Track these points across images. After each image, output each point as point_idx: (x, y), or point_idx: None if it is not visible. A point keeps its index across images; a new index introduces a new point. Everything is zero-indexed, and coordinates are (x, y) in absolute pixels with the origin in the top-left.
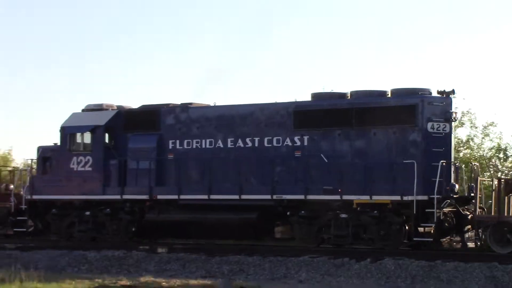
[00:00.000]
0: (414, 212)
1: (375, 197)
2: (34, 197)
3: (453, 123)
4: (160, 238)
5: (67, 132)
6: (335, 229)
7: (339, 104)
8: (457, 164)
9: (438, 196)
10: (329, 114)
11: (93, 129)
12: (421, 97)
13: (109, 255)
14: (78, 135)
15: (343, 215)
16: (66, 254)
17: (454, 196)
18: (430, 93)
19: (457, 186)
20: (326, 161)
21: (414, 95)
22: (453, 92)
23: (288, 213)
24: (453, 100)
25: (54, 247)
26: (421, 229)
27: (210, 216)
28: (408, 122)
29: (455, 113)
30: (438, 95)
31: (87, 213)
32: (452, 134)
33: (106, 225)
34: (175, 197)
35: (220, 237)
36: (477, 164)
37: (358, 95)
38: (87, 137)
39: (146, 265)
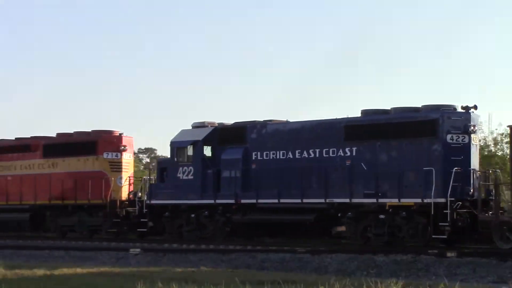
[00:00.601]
0: (432, 213)
1: (402, 200)
2: (152, 202)
3: (472, 134)
4: (249, 237)
5: (175, 146)
6: (375, 229)
7: (380, 119)
8: (476, 170)
9: (452, 199)
10: (372, 128)
11: (194, 143)
12: (442, 112)
13: (397, 259)
14: (183, 148)
15: (381, 216)
16: (354, 258)
17: (468, 199)
18: (454, 109)
19: (471, 190)
20: (365, 169)
21: (436, 111)
22: (475, 107)
23: (339, 215)
24: (473, 115)
25: (344, 251)
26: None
27: (278, 217)
28: (431, 134)
29: (474, 126)
30: (458, 110)
31: (192, 215)
32: (473, 144)
33: (206, 225)
34: (254, 201)
35: (286, 235)
36: (499, 170)
37: (396, 111)
38: (190, 150)
39: (436, 269)
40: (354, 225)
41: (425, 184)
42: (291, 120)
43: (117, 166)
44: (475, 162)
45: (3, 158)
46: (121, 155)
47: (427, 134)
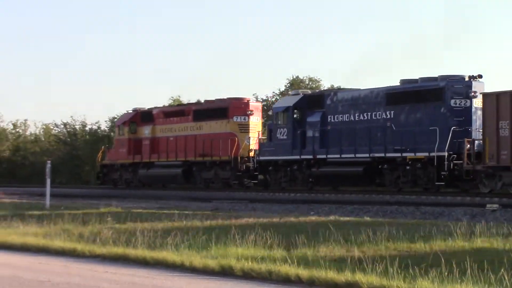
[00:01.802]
0: (435, 164)
1: (417, 154)
2: (260, 158)
3: (474, 99)
4: (325, 185)
5: (275, 111)
6: (402, 177)
7: (407, 88)
8: (476, 129)
9: (449, 152)
10: (402, 95)
11: (287, 109)
12: (448, 81)
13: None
14: (279, 113)
15: (408, 167)
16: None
17: (464, 152)
18: (462, 78)
19: (468, 145)
20: (394, 129)
21: (443, 80)
22: (479, 76)
23: (379, 167)
24: (475, 83)
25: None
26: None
27: (340, 169)
28: (438, 99)
29: (474, 92)
30: (464, 79)
31: (288, 169)
32: (475, 107)
33: (297, 177)
34: (325, 156)
35: (345, 184)
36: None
37: (422, 80)
38: (284, 115)
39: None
40: (389, 174)
41: (432, 141)
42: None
43: (244, 128)
44: (477, 122)
45: (166, 122)
46: (248, 118)
47: (436, 100)
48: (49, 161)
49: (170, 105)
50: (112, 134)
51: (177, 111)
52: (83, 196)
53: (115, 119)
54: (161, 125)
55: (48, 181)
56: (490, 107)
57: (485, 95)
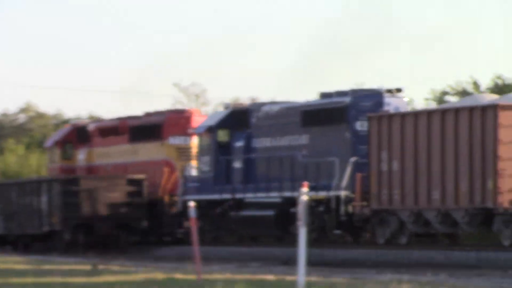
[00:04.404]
0: (333, 206)
1: (320, 193)
2: (184, 198)
3: None
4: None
5: (196, 132)
6: (312, 223)
7: (316, 104)
8: None
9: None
10: (317, 113)
11: (208, 129)
12: (352, 97)
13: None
14: (202, 134)
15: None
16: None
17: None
18: (374, 93)
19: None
20: (301, 160)
21: (348, 96)
22: (398, 90)
23: (290, 210)
24: (390, 99)
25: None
26: None
27: (252, 214)
28: (343, 121)
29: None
30: (372, 94)
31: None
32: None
33: (220, 224)
34: (242, 196)
35: (258, 232)
36: None
37: (335, 95)
38: (207, 137)
39: None
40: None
41: (333, 176)
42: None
43: (185, 153)
44: None
45: (103, 142)
46: (191, 139)
47: (339, 121)
48: None
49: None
50: None
51: (112, 128)
52: None
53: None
54: (99, 148)
55: None
56: (376, 133)
57: (371, 118)
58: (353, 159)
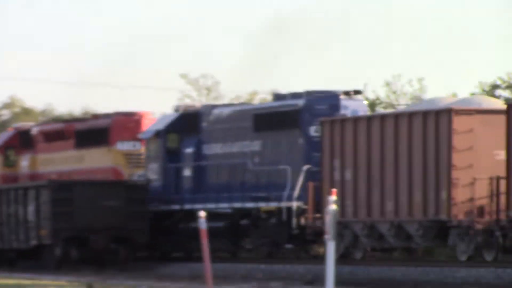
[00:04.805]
0: (284, 218)
1: (270, 204)
2: None
3: None
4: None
5: (143, 137)
6: (264, 237)
7: (267, 108)
8: None
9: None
10: (268, 117)
11: (157, 133)
12: (306, 99)
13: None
14: (150, 140)
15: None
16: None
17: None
18: (330, 95)
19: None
20: (252, 168)
21: (303, 98)
22: (357, 92)
23: (240, 222)
24: (347, 102)
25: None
26: None
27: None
28: (295, 126)
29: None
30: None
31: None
32: None
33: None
34: (191, 207)
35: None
36: None
37: (289, 97)
38: (155, 143)
39: None
40: (253, 233)
41: (285, 185)
42: None
43: (135, 160)
44: None
45: (48, 148)
46: (142, 145)
47: (292, 126)
48: None
49: (55, 119)
50: None
51: (57, 132)
52: None
53: None
54: (43, 154)
55: None
56: (329, 139)
57: (323, 123)
58: (305, 167)
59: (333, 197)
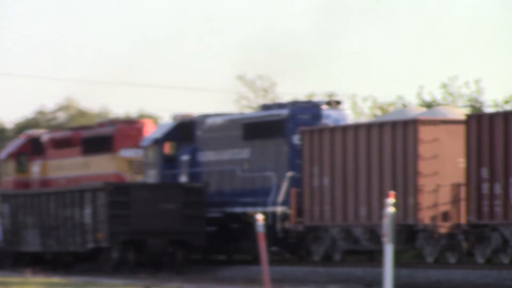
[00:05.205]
0: (270, 222)
1: (257, 209)
2: None
3: None
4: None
5: (142, 145)
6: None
7: (254, 117)
8: None
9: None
10: (256, 126)
11: (155, 141)
12: (290, 109)
13: None
14: (149, 148)
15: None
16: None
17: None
18: (313, 105)
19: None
20: (239, 174)
21: (286, 108)
22: (337, 103)
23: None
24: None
25: None
26: None
27: None
28: (280, 135)
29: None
30: (311, 107)
31: None
32: None
33: None
34: None
35: None
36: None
37: (276, 107)
38: (153, 150)
39: None
40: (245, 237)
41: (270, 191)
42: None
43: (138, 167)
44: None
45: (57, 155)
46: None
47: (277, 135)
48: None
49: (67, 128)
50: None
51: (65, 139)
52: None
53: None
54: (53, 160)
55: None
56: (308, 147)
57: (303, 132)
58: (289, 174)
59: (391, 200)
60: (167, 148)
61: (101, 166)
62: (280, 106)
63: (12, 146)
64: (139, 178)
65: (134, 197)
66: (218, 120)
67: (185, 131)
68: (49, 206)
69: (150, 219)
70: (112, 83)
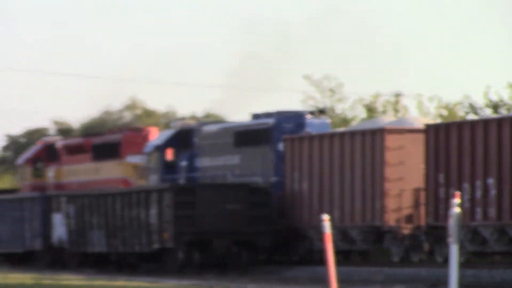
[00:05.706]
0: None
1: None
2: None
3: None
4: None
5: (145, 151)
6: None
7: (241, 126)
8: None
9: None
10: (244, 135)
11: (156, 148)
12: (276, 118)
13: None
14: (151, 154)
15: None
16: None
17: None
18: (297, 114)
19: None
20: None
21: (272, 117)
22: (321, 112)
23: None
24: (313, 120)
25: None
26: None
27: None
28: (267, 142)
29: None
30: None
31: None
32: None
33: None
34: None
35: None
36: None
37: (263, 116)
38: (155, 156)
39: None
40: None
41: None
42: None
43: (144, 172)
44: None
45: (71, 160)
46: None
47: (264, 142)
48: None
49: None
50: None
51: (77, 146)
52: None
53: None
54: (67, 166)
55: None
56: (290, 154)
57: (285, 140)
58: (274, 179)
59: (457, 200)
60: (168, 154)
61: (109, 171)
62: (268, 115)
63: (29, 152)
64: (142, 183)
65: (200, 198)
66: (213, 128)
67: (184, 138)
68: (115, 206)
69: (216, 219)
70: (177, 84)
